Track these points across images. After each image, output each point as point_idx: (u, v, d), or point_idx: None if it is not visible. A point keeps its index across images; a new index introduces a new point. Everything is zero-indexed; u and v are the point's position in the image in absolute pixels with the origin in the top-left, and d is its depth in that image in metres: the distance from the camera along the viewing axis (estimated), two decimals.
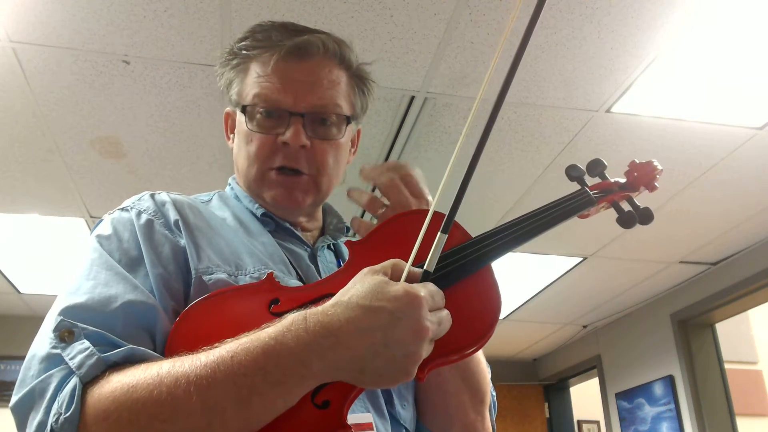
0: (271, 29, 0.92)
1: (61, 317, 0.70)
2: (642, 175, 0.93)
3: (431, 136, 2.63)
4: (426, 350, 0.65)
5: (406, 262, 0.70)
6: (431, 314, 0.65)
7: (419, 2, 1.96)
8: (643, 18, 2.03)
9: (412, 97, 2.40)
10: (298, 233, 0.95)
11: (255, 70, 0.92)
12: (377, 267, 0.69)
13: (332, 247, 1.01)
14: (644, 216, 0.90)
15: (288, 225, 0.95)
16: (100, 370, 0.66)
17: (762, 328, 5.46)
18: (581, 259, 3.82)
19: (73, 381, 0.65)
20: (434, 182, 2.88)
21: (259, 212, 0.93)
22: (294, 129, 0.88)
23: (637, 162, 0.94)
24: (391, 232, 0.80)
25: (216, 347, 0.65)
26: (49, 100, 2.36)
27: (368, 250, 0.78)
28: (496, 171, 2.87)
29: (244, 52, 0.93)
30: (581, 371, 5.36)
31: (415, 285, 0.66)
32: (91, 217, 3.19)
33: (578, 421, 5.93)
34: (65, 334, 0.68)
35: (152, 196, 0.87)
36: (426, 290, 0.66)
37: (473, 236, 0.79)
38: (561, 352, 5.62)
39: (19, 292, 4.19)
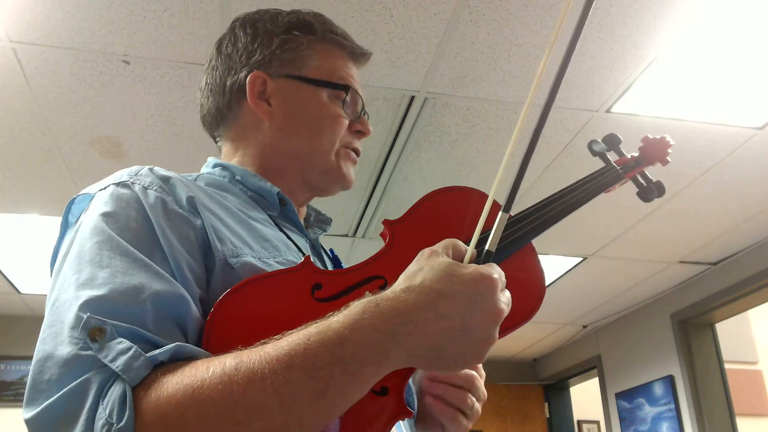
0: (337, 26, 0.98)
1: (88, 313, 0.61)
2: (656, 150, 0.97)
3: (431, 136, 2.63)
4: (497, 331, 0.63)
5: (451, 241, 0.68)
6: (502, 295, 0.63)
7: (419, 2, 1.96)
8: (643, 18, 2.03)
9: (412, 97, 2.40)
10: (300, 222, 0.94)
11: (338, 57, 0.96)
12: (437, 248, 0.66)
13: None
14: (660, 188, 0.95)
15: (295, 211, 0.93)
16: (148, 371, 0.59)
17: (762, 328, 5.46)
18: (581, 259, 3.82)
19: (120, 386, 0.57)
20: (435, 182, 2.88)
21: (274, 190, 0.90)
22: (367, 122, 0.98)
23: (650, 137, 0.98)
24: (429, 211, 0.78)
25: (281, 340, 0.59)
26: (49, 100, 2.36)
27: (408, 230, 0.76)
28: (496, 171, 2.86)
29: (330, 34, 0.96)
30: (581, 371, 5.36)
31: (485, 266, 0.63)
32: None
33: (578, 421, 5.93)
34: (96, 333, 0.60)
35: (151, 170, 0.78)
36: (497, 272, 0.63)
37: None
38: (561, 352, 5.62)
39: (19, 292, 4.19)
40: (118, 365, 0.58)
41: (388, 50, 2.15)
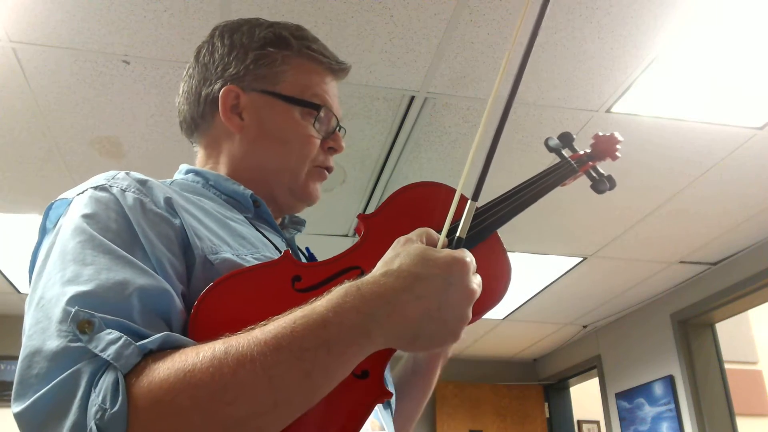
0: (316, 40, 0.98)
1: (76, 307, 0.62)
2: (607, 146, 1.04)
3: (431, 136, 2.63)
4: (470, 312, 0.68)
5: (425, 229, 0.72)
6: (474, 277, 0.68)
7: (419, 2, 1.96)
8: (643, 18, 2.03)
9: (412, 97, 2.40)
10: (275, 222, 0.96)
11: (313, 72, 0.96)
12: (412, 236, 0.70)
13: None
14: (611, 181, 1.02)
15: (269, 212, 0.94)
16: (138, 359, 0.60)
17: (762, 328, 5.46)
18: (581, 259, 3.82)
19: (112, 374, 0.58)
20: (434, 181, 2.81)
21: (247, 193, 0.91)
22: (340, 139, 0.99)
23: (601, 134, 1.05)
24: (401, 205, 0.83)
25: (267, 324, 0.62)
26: (49, 100, 2.36)
27: (382, 223, 0.80)
28: (496, 171, 2.87)
29: (305, 50, 0.96)
30: (581, 371, 5.35)
31: (458, 251, 0.68)
32: None
33: (578, 421, 5.93)
34: (85, 325, 0.61)
35: (127, 173, 0.79)
36: (468, 256, 0.68)
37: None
38: (561, 352, 5.62)
39: (19, 292, 4.19)
40: (108, 354, 0.59)
41: (388, 50, 2.15)
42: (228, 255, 0.76)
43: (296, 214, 1.04)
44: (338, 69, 0.99)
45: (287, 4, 1.97)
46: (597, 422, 5.86)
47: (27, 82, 2.26)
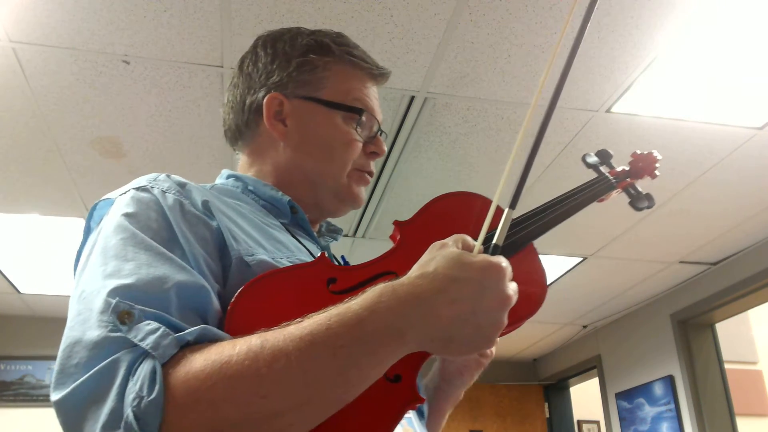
0: (356, 46, 1.00)
1: (117, 298, 0.64)
2: (645, 165, 1.05)
3: (431, 136, 2.63)
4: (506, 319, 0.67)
5: (460, 235, 0.73)
6: (510, 284, 0.67)
7: (419, 2, 1.96)
8: (643, 18, 2.03)
9: (412, 97, 2.40)
10: (311, 229, 0.97)
11: (355, 77, 0.98)
12: (447, 241, 0.70)
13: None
14: (650, 199, 1.03)
15: (306, 219, 0.95)
16: (175, 350, 0.61)
17: (762, 328, 5.46)
18: (581, 259, 3.82)
19: (149, 363, 0.59)
20: (435, 182, 2.88)
21: (285, 199, 0.92)
22: (382, 143, 1.00)
23: (639, 153, 1.06)
24: (437, 213, 0.84)
25: (302, 321, 0.62)
26: (49, 100, 2.36)
27: (417, 230, 0.81)
28: (497, 171, 2.87)
29: (347, 56, 0.97)
30: (581, 371, 5.36)
31: (494, 256, 0.68)
32: None
33: (578, 421, 5.93)
34: (124, 316, 0.63)
35: (168, 176, 0.82)
36: (504, 261, 0.67)
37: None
38: (561, 352, 5.62)
39: (19, 292, 4.19)
40: (147, 343, 0.61)
41: (388, 50, 2.15)
42: (264, 257, 0.77)
43: (333, 223, 1.05)
44: (378, 74, 1.01)
45: (287, 4, 1.97)
46: (597, 422, 5.86)
47: (27, 82, 2.26)
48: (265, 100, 0.95)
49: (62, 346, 0.65)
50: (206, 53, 2.15)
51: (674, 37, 2.11)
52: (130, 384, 0.59)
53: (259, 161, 0.98)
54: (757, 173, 2.90)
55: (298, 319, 0.63)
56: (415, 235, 0.80)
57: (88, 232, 0.81)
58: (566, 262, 3.86)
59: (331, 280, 0.73)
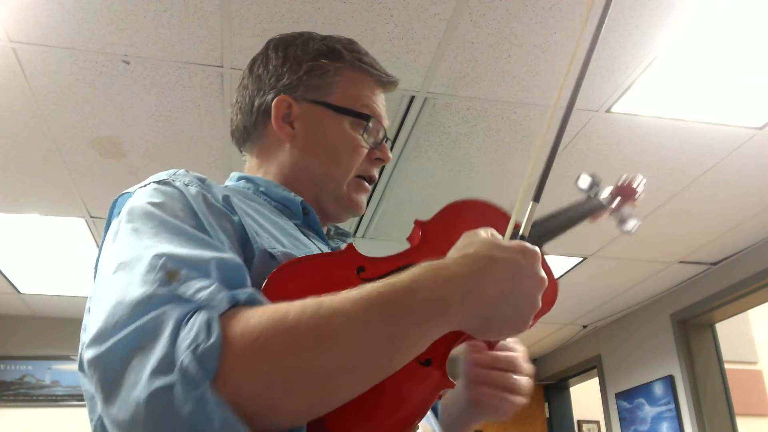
0: (367, 53, 1.01)
1: (164, 258, 0.63)
2: (628, 190, 1.13)
3: (431, 137, 2.63)
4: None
5: (489, 228, 0.76)
6: (541, 268, 0.72)
7: (419, 2, 1.96)
8: (643, 18, 2.03)
9: (412, 97, 2.40)
10: (323, 231, 0.97)
11: (364, 84, 0.98)
12: (479, 230, 0.74)
13: None
14: (634, 222, 1.11)
15: (317, 220, 0.96)
16: (229, 305, 0.60)
17: (762, 328, 5.45)
18: (581, 259, 3.82)
19: (204, 314, 0.59)
20: (435, 182, 2.88)
21: (297, 200, 0.93)
22: (387, 150, 1.01)
23: (624, 179, 1.14)
24: (455, 214, 0.88)
25: (349, 291, 0.63)
26: (49, 100, 2.36)
27: (439, 228, 0.85)
28: (497, 171, 2.87)
29: (357, 62, 0.98)
30: (581, 371, 5.36)
31: (526, 243, 0.72)
32: (91, 217, 3.19)
33: (578, 421, 5.93)
34: (173, 275, 0.62)
35: (187, 171, 0.82)
36: (536, 248, 0.72)
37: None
38: (561, 352, 5.62)
39: (19, 292, 4.19)
40: (201, 297, 0.60)
41: (388, 50, 2.15)
42: (288, 250, 0.78)
43: (341, 226, 1.06)
44: (387, 82, 1.02)
45: (287, 4, 1.97)
46: (597, 422, 5.86)
47: (27, 82, 2.26)
48: (274, 102, 0.95)
49: (105, 308, 0.63)
50: (206, 53, 2.15)
51: (674, 37, 2.11)
52: (183, 333, 0.58)
53: (266, 163, 0.98)
54: (757, 173, 2.90)
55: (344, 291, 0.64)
56: (437, 232, 0.83)
57: (109, 227, 0.79)
58: (566, 262, 3.87)
59: (361, 269, 0.75)
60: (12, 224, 3.29)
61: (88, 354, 0.61)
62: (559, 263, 3.87)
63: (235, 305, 0.61)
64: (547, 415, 5.80)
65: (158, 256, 0.64)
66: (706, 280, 3.98)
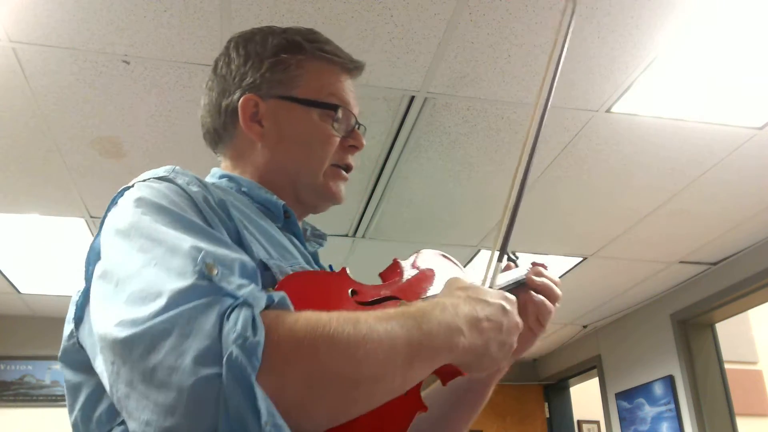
0: (328, 42, 1.00)
1: (203, 251, 0.64)
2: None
3: (431, 137, 2.63)
4: None
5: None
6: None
7: (419, 2, 1.96)
8: (643, 18, 2.03)
9: (412, 98, 2.40)
10: (302, 235, 0.97)
11: (329, 72, 0.98)
12: (460, 278, 0.83)
13: None
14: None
15: (298, 225, 0.95)
16: (265, 305, 0.62)
17: (762, 328, 5.46)
18: (581, 259, 3.82)
19: (247, 310, 0.59)
20: (434, 182, 2.87)
21: (280, 203, 0.92)
22: (360, 137, 1.01)
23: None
24: (428, 260, 0.95)
25: (381, 311, 0.68)
26: (49, 100, 2.36)
27: (413, 268, 0.92)
28: (497, 171, 2.87)
29: (319, 52, 0.97)
30: (581, 371, 5.35)
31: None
32: (91, 217, 3.19)
33: (578, 421, 5.93)
34: (211, 268, 0.62)
35: (183, 169, 0.83)
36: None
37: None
38: (561, 352, 5.62)
39: (19, 292, 4.19)
40: (242, 293, 0.61)
41: (388, 50, 2.15)
42: (278, 262, 0.79)
43: (318, 229, 1.05)
44: (353, 68, 1.01)
45: (287, 4, 1.97)
46: (597, 422, 5.86)
47: (27, 82, 2.26)
48: (240, 103, 0.95)
49: (136, 298, 0.62)
50: (206, 53, 2.15)
51: (674, 37, 2.11)
52: (227, 326, 0.58)
53: (240, 164, 0.98)
54: (757, 173, 2.90)
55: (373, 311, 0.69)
56: (411, 272, 0.90)
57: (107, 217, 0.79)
58: (566, 262, 3.87)
59: (354, 292, 0.79)
60: (12, 224, 3.29)
61: (120, 333, 0.60)
62: (559, 263, 3.87)
63: (269, 306, 0.63)
64: (547, 415, 5.80)
65: (196, 248, 0.64)
66: (706, 280, 3.97)
